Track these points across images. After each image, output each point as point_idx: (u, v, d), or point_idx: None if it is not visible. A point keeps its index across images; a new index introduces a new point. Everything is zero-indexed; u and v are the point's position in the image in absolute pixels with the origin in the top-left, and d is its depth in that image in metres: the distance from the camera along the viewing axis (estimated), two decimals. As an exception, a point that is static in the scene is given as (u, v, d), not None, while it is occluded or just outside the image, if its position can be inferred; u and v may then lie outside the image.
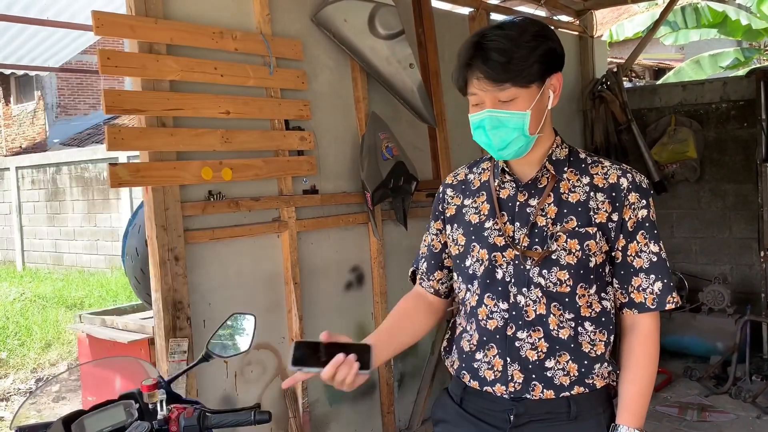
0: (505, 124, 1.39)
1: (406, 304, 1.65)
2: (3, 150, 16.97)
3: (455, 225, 1.56)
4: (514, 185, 1.48)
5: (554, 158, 1.47)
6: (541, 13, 5.08)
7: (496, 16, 4.59)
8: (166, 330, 2.61)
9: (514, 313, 1.44)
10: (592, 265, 1.42)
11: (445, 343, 1.62)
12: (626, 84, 5.89)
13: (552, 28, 1.50)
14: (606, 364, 1.45)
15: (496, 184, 1.51)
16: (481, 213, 1.51)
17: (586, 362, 1.43)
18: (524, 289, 1.44)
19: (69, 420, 1.60)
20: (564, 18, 5.40)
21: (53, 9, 5.02)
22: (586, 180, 1.46)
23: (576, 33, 5.51)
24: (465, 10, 4.42)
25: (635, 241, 1.44)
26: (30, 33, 5.69)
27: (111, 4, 4.74)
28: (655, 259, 1.44)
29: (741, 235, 5.16)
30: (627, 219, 1.43)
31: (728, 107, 5.17)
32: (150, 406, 1.62)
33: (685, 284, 5.07)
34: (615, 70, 5.42)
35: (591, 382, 1.43)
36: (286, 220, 3.12)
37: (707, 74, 10.07)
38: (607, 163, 1.49)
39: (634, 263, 1.44)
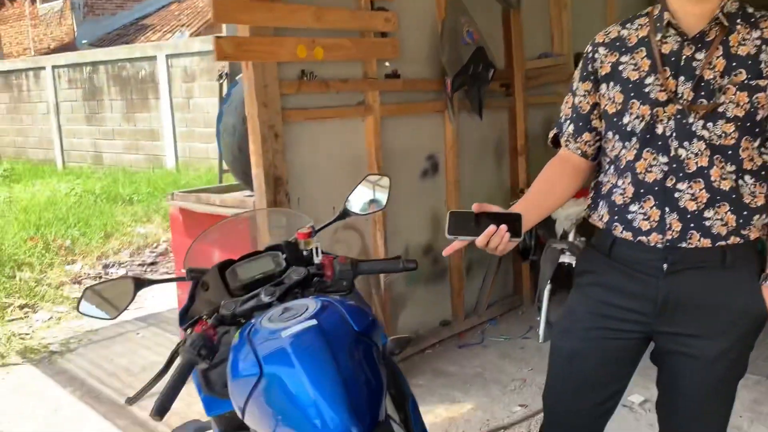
0: None
1: (552, 170, 1.66)
2: (31, 51, 16.86)
3: (611, 83, 1.54)
4: (680, 39, 1.47)
5: (726, 11, 1.45)
6: None
7: None
8: (267, 205, 2.69)
9: (674, 165, 1.46)
10: (758, 118, 1.43)
11: (589, 201, 1.66)
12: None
13: None
14: (764, 215, 1.49)
15: (658, 38, 1.49)
16: (641, 69, 1.50)
17: (745, 213, 1.46)
18: (686, 143, 1.45)
19: (223, 267, 1.70)
20: None
21: None
22: (756, 34, 1.44)
23: None
24: None
25: None
26: None
27: None
28: None
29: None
30: None
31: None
32: (305, 253, 1.71)
33: None
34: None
35: (746, 233, 1.47)
36: (371, 104, 3.14)
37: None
38: None
39: None
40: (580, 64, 1.64)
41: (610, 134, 1.57)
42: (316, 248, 1.69)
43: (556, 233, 3.89)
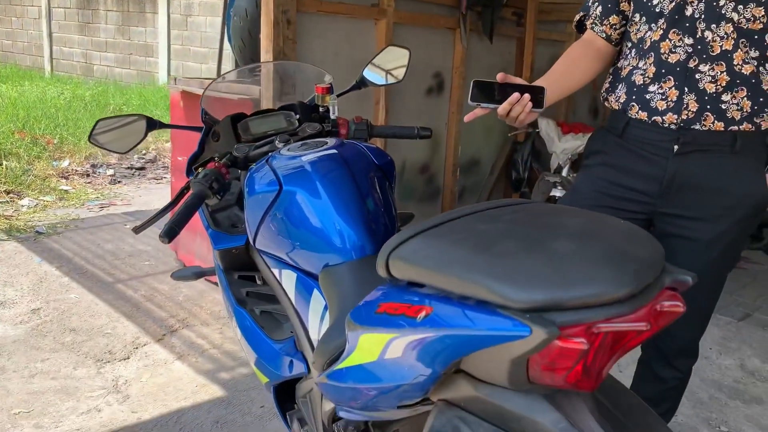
0: None
1: (576, 51, 1.67)
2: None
3: None
4: None
5: None
6: None
7: None
8: (275, 93, 2.67)
9: (699, 47, 1.47)
10: None
11: (606, 85, 1.67)
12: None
13: None
14: None
15: None
16: None
17: (761, 100, 1.48)
18: (713, 26, 1.46)
19: (236, 119, 1.69)
20: None
21: None
22: None
23: None
24: None
25: None
26: None
27: None
28: None
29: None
30: None
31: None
32: (321, 109, 1.71)
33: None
34: None
35: (759, 121, 1.49)
36: (386, 7, 3.10)
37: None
38: None
39: None
40: None
41: (637, 17, 1.57)
42: (333, 105, 1.68)
43: (551, 167, 3.93)
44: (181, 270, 1.72)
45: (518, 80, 1.48)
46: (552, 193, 3.76)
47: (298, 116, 1.72)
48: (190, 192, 1.42)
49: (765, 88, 1.48)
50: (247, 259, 1.52)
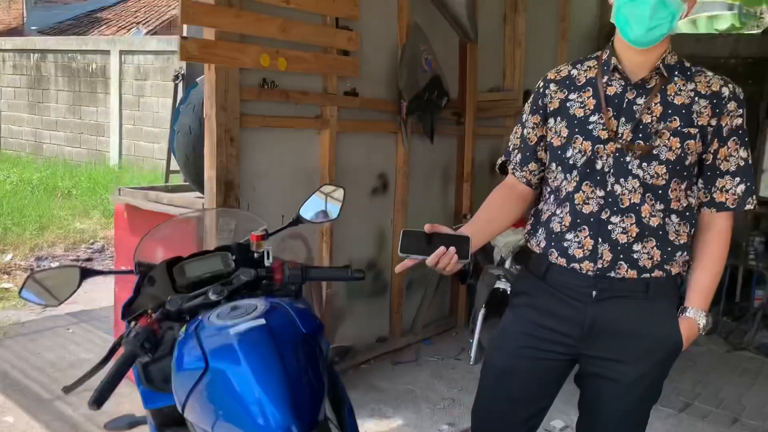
0: (666, 6, 1.47)
1: (499, 195, 1.77)
2: (-25, 32, 16.21)
3: (558, 118, 1.66)
4: (623, 83, 1.59)
5: (666, 63, 1.58)
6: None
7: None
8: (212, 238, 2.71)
9: (610, 200, 1.57)
10: (687, 163, 1.57)
11: (529, 227, 1.77)
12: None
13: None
14: (685, 253, 1.62)
15: (604, 80, 1.61)
16: (587, 107, 1.61)
17: (669, 249, 1.59)
18: (622, 180, 1.57)
19: (171, 264, 1.72)
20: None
21: None
22: (691, 86, 1.57)
23: (600, -27, 5.55)
24: (505, -66, 4.42)
25: (726, 146, 1.57)
26: None
27: None
28: (742, 164, 1.58)
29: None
30: (724, 125, 1.55)
31: (737, 63, 5.34)
32: (255, 256, 1.74)
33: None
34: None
35: (669, 268, 1.60)
36: (329, 118, 3.21)
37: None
38: (709, 73, 1.61)
39: (721, 166, 1.58)
40: (531, 98, 1.76)
41: (553, 165, 1.68)
42: (268, 251, 1.72)
43: (494, 260, 4.03)
44: (114, 420, 1.70)
45: (445, 229, 1.57)
46: (497, 285, 3.84)
47: (234, 257, 1.75)
48: (122, 351, 1.43)
49: (671, 238, 1.59)
50: (180, 417, 1.52)
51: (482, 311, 3.83)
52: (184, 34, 2.66)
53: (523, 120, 1.77)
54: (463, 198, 4.25)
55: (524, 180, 1.76)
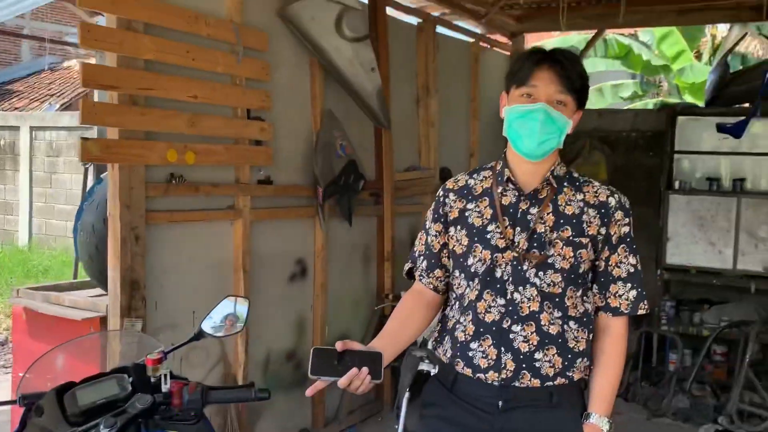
0: (554, 121, 1.57)
1: (408, 303, 1.78)
2: None
3: (458, 227, 1.70)
4: (517, 194, 1.65)
5: (556, 174, 1.67)
6: (478, 30, 5.35)
7: (442, 29, 4.80)
8: (121, 310, 2.59)
9: (510, 308, 1.61)
10: (581, 271, 1.63)
11: (436, 335, 1.76)
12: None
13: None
14: (585, 359, 1.65)
15: (499, 191, 1.67)
16: (484, 217, 1.67)
17: (570, 356, 1.62)
18: (520, 288, 1.61)
19: (62, 391, 1.60)
20: (499, 38, 5.71)
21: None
22: (580, 196, 1.66)
23: (508, 54, 5.83)
24: (414, 20, 4.60)
25: (617, 253, 1.64)
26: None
27: None
28: (632, 270, 1.65)
29: (640, 253, 5.65)
30: (612, 234, 1.64)
31: (637, 136, 5.67)
32: (152, 380, 1.65)
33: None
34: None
35: (571, 374, 1.62)
36: (241, 208, 3.16)
37: (608, 102, 10.85)
38: (596, 184, 1.70)
39: (613, 272, 1.65)
40: (433, 206, 1.80)
41: (456, 272, 1.71)
42: (165, 375, 1.64)
43: (416, 341, 4.00)
44: None
45: (356, 346, 1.54)
46: (420, 367, 3.80)
47: (131, 379, 1.66)
48: None
49: (571, 345, 1.62)
50: None
51: (406, 395, 3.76)
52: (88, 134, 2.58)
53: (427, 227, 1.79)
54: (385, 277, 4.25)
55: (431, 286, 1.78)
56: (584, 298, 1.66)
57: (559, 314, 1.61)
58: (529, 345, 1.60)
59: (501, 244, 1.62)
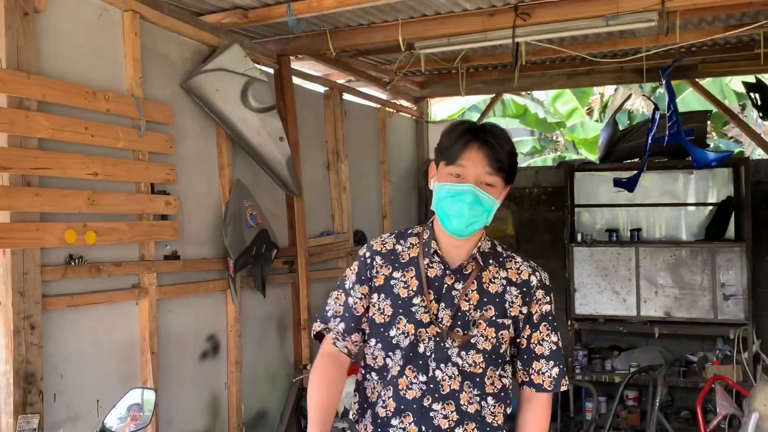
0: (482, 203, 1.57)
1: (330, 372, 1.70)
2: None
3: (383, 295, 1.67)
4: (443, 267, 1.65)
5: (482, 250, 1.68)
6: (383, 96, 5.51)
7: (348, 96, 4.90)
8: (15, 406, 2.39)
9: (431, 386, 1.60)
10: (501, 351, 1.64)
11: (356, 407, 1.72)
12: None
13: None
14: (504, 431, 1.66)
15: (426, 263, 1.66)
16: (410, 288, 1.65)
17: (488, 430, 1.63)
18: (442, 365, 1.60)
19: None
20: (404, 103, 5.89)
21: None
22: (503, 274, 1.67)
23: (413, 117, 6.02)
24: (320, 89, 4.68)
25: (539, 331, 1.67)
26: None
27: None
28: (554, 348, 1.68)
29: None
30: (534, 312, 1.66)
31: (539, 192, 5.93)
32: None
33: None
34: (447, 152, 5.97)
35: None
36: (147, 286, 3.03)
37: (510, 159, 11.32)
38: (518, 259, 1.72)
39: (536, 350, 1.67)
40: (357, 267, 1.73)
41: (373, 341, 1.67)
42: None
43: (338, 412, 3.91)
44: None
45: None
46: (343, 438, 3.71)
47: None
48: None
49: (489, 420, 1.62)
50: None
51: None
52: None
53: (347, 287, 1.73)
54: (302, 347, 4.15)
55: (345, 350, 1.73)
56: (502, 373, 1.66)
57: (478, 392, 1.62)
58: (449, 422, 1.59)
59: (425, 318, 1.61)
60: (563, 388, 1.69)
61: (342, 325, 1.72)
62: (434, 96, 6.10)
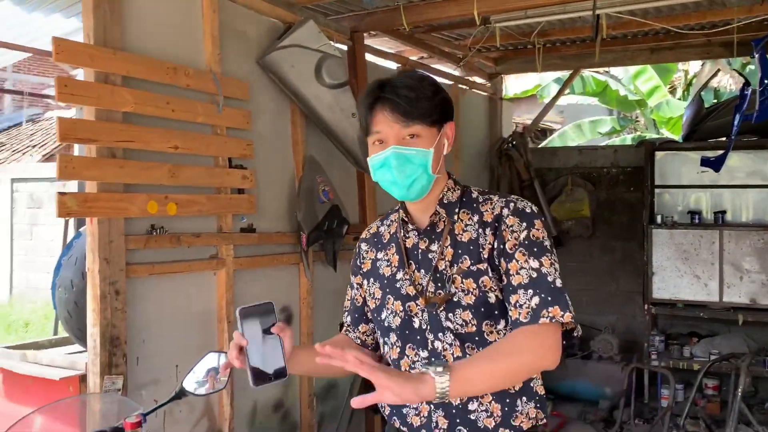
0: (410, 160, 1.43)
1: (341, 339, 1.70)
2: None
3: (371, 279, 1.62)
4: (417, 233, 1.54)
5: (445, 201, 1.52)
6: (457, 72, 5.43)
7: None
8: (101, 367, 2.52)
9: (433, 359, 1.48)
10: (492, 301, 1.44)
11: None
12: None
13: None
14: (530, 401, 1.49)
15: (402, 234, 1.57)
16: (392, 265, 1.57)
17: (507, 400, 1.46)
18: (440, 334, 1.48)
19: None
20: (477, 79, 5.80)
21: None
22: (476, 218, 1.50)
23: (486, 94, 5.92)
24: (393, 65, 4.66)
25: (515, 260, 1.42)
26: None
27: (59, 30, 4.47)
28: (534, 275, 1.39)
29: (626, 288, 5.68)
30: (506, 242, 1.43)
31: (618, 172, 5.73)
32: (131, 443, 1.59)
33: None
34: (521, 131, 5.86)
35: (517, 424, 1.46)
36: (224, 257, 3.12)
37: (587, 138, 11.00)
38: (495, 198, 1.52)
39: (512, 281, 1.41)
40: (353, 258, 1.74)
41: (376, 328, 1.64)
42: (144, 436, 1.59)
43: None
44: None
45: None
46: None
47: (111, 443, 1.60)
48: None
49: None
50: None
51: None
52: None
53: (351, 281, 1.73)
54: (371, 322, 4.19)
55: (359, 341, 1.69)
56: (503, 327, 1.47)
57: None
58: (460, 397, 1.44)
59: (411, 291, 1.51)
60: (544, 321, 1.34)
61: (349, 318, 1.72)
62: (509, 72, 5.97)
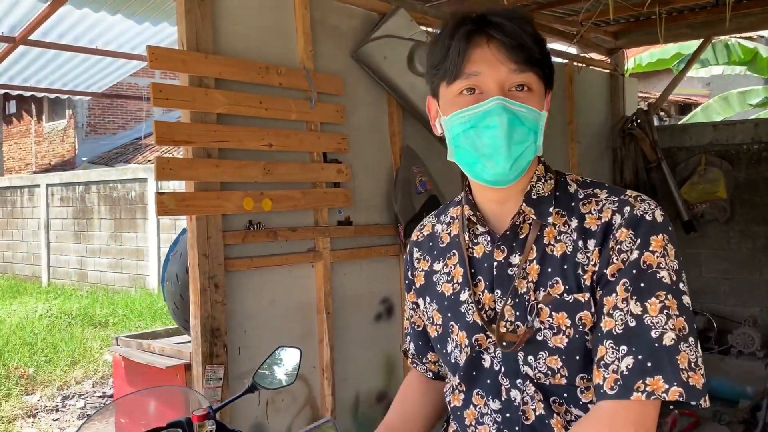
0: (522, 120, 1.03)
1: (409, 391, 1.37)
2: (33, 166, 17.33)
3: (428, 298, 1.23)
4: (488, 238, 1.14)
5: (534, 196, 1.11)
6: (573, 50, 5.14)
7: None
8: (203, 356, 2.65)
9: (508, 414, 1.11)
10: (590, 345, 1.05)
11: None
12: (655, 122, 5.90)
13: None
14: None
15: (466, 239, 1.16)
16: (455, 281, 1.17)
17: None
18: (518, 381, 1.10)
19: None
20: (595, 56, 5.46)
21: (102, 39, 5.21)
22: (574, 223, 1.08)
23: (607, 71, 5.55)
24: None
25: (615, 293, 1.01)
26: (77, 60, 5.91)
27: (156, 36, 4.85)
28: (633, 324, 0.98)
29: (771, 277, 5.12)
30: (611, 263, 1.03)
31: (760, 148, 5.17)
32: (203, 434, 1.66)
33: (713, 325, 5.03)
34: (645, 108, 5.45)
35: None
36: (321, 250, 3.17)
37: (735, 111, 10.04)
38: (603, 195, 1.09)
39: (603, 325, 1.02)
40: (404, 270, 1.36)
41: (443, 364, 1.27)
42: (211, 431, 1.64)
43: None
44: None
45: None
46: None
47: (186, 433, 1.67)
48: None
49: None
50: None
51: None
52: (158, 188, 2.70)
53: (406, 298, 1.36)
54: (479, 313, 4.09)
55: (430, 373, 1.35)
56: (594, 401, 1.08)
57: (579, 413, 1.08)
58: None
59: (479, 320, 1.11)
60: (638, 397, 0.95)
61: (412, 346, 1.36)
62: (630, 46, 5.56)
